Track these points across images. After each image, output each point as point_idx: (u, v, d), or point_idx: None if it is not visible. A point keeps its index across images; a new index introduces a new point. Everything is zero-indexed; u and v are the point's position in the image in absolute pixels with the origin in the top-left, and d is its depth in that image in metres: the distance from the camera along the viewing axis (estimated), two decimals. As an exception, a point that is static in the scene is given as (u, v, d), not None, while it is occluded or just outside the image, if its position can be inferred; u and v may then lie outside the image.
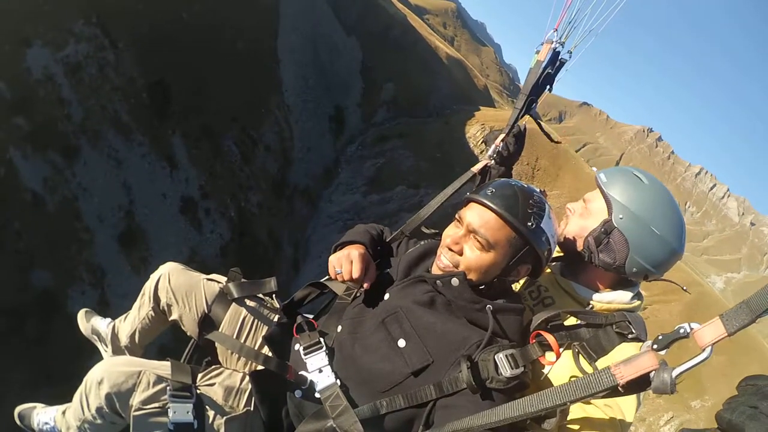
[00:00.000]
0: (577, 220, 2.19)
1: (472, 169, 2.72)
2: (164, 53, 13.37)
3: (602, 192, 2.09)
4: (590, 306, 2.06)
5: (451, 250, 1.90)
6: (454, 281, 1.85)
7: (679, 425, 20.10)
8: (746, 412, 1.05)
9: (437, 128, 24.99)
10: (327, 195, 22.01)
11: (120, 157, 12.22)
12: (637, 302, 2.07)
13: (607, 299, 2.06)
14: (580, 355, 1.81)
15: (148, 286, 2.52)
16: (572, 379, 1.59)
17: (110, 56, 12.00)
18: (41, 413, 2.64)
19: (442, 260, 1.92)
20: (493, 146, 2.76)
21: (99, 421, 2.14)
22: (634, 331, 1.76)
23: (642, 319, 1.85)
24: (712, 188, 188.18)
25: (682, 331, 1.21)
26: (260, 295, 2.48)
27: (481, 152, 23.98)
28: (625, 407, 1.74)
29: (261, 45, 17.96)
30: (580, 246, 2.11)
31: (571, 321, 1.92)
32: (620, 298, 2.06)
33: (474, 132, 24.19)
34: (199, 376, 2.21)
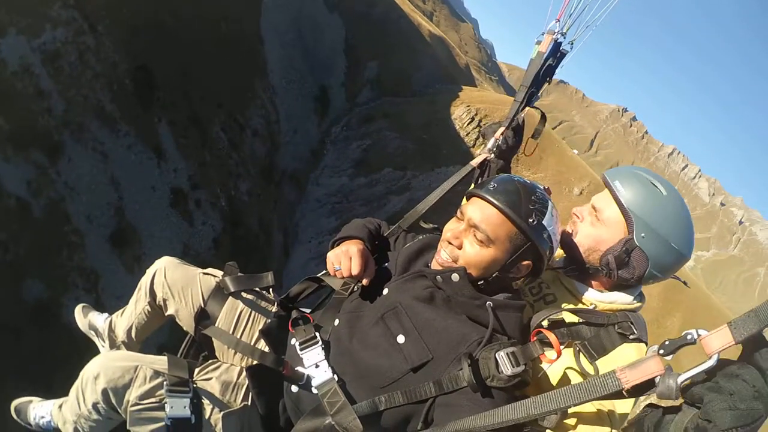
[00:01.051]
0: (588, 228, 2.11)
1: (471, 162, 2.69)
2: (146, 36, 12.42)
3: (620, 205, 1.99)
4: (592, 306, 2.03)
5: (451, 244, 1.88)
6: (455, 277, 1.83)
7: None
8: (706, 386, 1.13)
9: (422, 109, 24.74)
10: (314, 178, 21.63)
11: (106, 150, 11.35)
12: (639, 303, 2.05)
13: (609, 299, 2.02)
14: (581, 354, 1.80)
15: (144, 281, 2.51)
16: (571, 376, 1.73)
17: (90, 41, 11.03)
18: (37, 407, 2.63)
19: (442, 255, 1.91)
20: (492, 140, 2.72)
21: (95, 416, 2.14)
22: (635, 331, 1.80)
23: (643, 319, 1.89)
24: (684, 168, 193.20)
25: (689, 337, 1.20)
26: (257, 289, 2.46)
27: (476, 143, 23.23)
28: (621, 404, 1.72)
29: (245, 25, 17.06)
30: (594, 260, 2.04)
31: (572, 319, 1.92)
32: (622, 298, 2.03)
33: (460, 114, 24.02)
34: (196, 370, 2.19)
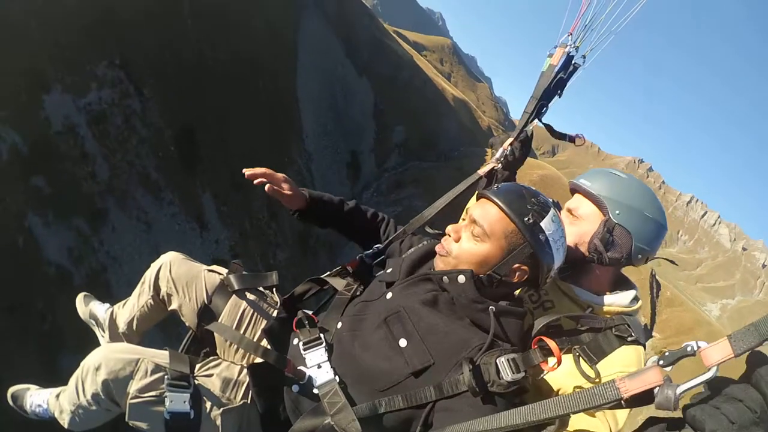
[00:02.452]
0: (569, 229, 2.12)
1: (478, 171, 2.77)
2: (189, 98, 11.88)
3: (589, 195, 2.15)
4: (590, 309, 2.04)
5: (450, 237, 1.93)
6: (461, 278, 1.83)
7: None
8: (707, 410, 1.12)
9: (450, 175, 24.16)
10: (347, 244, 20.67)
11: (149, 219, 10.60)
12: (635, 305, 2.10)
13: (607, 302, 2.06)
14: (580, 359, 1.80)
15: (149, 275, 2.50)
16: (572, 380, 1.77)
17: (136, 104, 10.44)
18: (34, 395, 2.63)
19: (441, 247, 1.93)
20: (501, 150, 2.75)
21: (94, 407, 2.13)
22: (633, 333, 1.81)
23: (640, 322, 1.91)
24: (703, 216, 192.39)
25: (689, 349, 1.17)
26: (261, 289, 2.47)
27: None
28: (617, 412, 1.71)
29: (280, 83, 16.65)
30: (583, 251, 2.12)
31: (571, 325, 1.95)
32: (620, 301, 2.08)
33: (488, 179, 23.59)
34: (197, 366, 2.15)
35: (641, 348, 1.86)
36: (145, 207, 10.21)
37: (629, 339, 1.82)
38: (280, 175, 2.38)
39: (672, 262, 2.60)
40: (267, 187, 2.38)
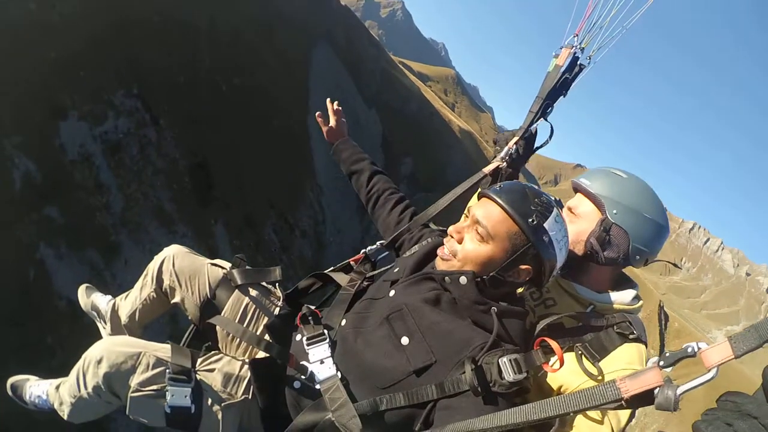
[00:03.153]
0: (569, 227, 2.07)
1: (483, 170, 2.78)
2: (204, 130, 11.64)
3: (589, 194, 2.16)
4: (591, 306, 2.07)
5: (452, 238, 1.93)
6: (462, 279, 1.86)
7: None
8: (721, 428, 1.17)
9: (458, 207, 23.98)
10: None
11: (162, 252, 10.03)
12: (637, 303, 2.10)
13: (608, 300, 2.07)
14: (583, 357, 1.80)
15: (152, 267, 2.51)
16: (574, 378, 1.78)
17: (152, 134, 10.16)
18: (34, 386, 2.64)
19: (444, 249, 1.95)
20: (506, 149, 2.80)
21: (95, 399, 2.16)
22: (635, 331, 1.82)
23: (641, 320, 1.93)
24: (706, 242, 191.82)
25: (690, 350, 1.23)
26: (264, 284, 2.47)
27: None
28: (619, 413, 1.71)
29: (293, 116, 16.51)
30: (581, 250, 2.14)
31: (572, 323, 1.95)
32: (621, 298, 2.08)
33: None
34: (199, 360, 2.17)
35: (643, 345, 1.87)
36: (159, 239, 9.82)
37: (631, 336, 1.84)
38: (336, 120, 2.85)
39: (675, 265, 2.63)
40: (317, 113, 2.83)
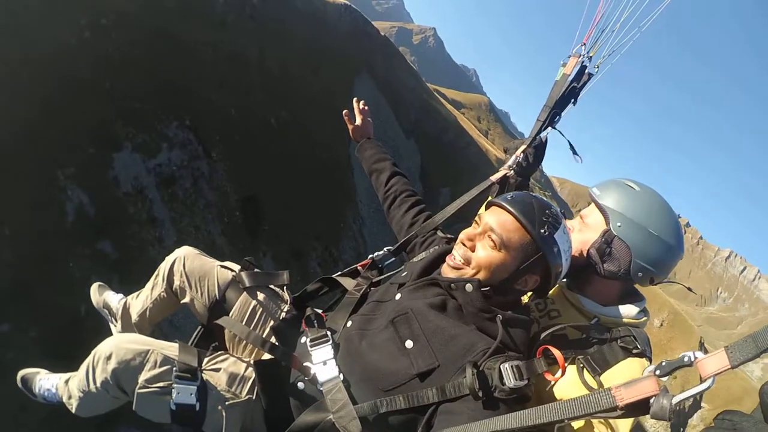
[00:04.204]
0: (576, 235, 2.19)
1: (491, 177, 2.80)
2: (254, 164, 11.40)
3: (597, 204, 2.14)
4: (595, 319, 2.04)
5: (464, 246, 1.94)
6: (468, 287, 1.88)
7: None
8: None
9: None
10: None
11: (212, 288, 9.71)
12: (643, 318, 2.07)
13: (613, 313, 2.06)
14: (584, 369, 1.79)
15: (163, 268, 2.58)
16: (574, 390, 1.76)
17: (204, 167, 9.93)
18: (44, 379, 2.69)
19: (455, 256, 1.96)
20: (513, 157, 2.80)
21: (102, 394, 2.20)
22: (639, 346, 1.78)
23: (646, 335, 1.88)
24: (742, 271, 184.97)
25: (686, 359, 1.23)
26: (272, 287, 2.52)
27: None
28: (620, 424, 1.69)
29: (337, 149, 16.31)
30: (584, 260, 2.12)
31: (576, 335, 1.95)
32: (627, 312, 2.06)
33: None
34: (205, 360, 2.20)
35: (646, 360, 1.80)
36: (208, 274, 9.48)
37: (634, 351, 1.79)
38: (362, 119, 2.94)
39: (689, 289, 2.55)
40: (344, 112, 2.95)
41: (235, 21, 11.46)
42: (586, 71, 2.77)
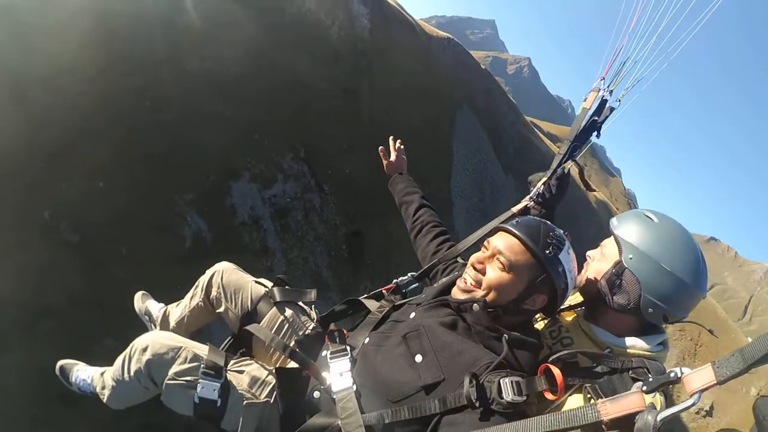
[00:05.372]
0: (594, 265, 2.28)
1: (512, 209, 2.90)
2: (362, 198, 11.27)
3: (614, 235, 2.18)
4: (608, 350, 2.00)
5: (475, 269, 2.11)
6: (475, 307, 2.02)
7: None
8: None
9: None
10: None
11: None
12: (660, 351, 2.03)
13: (626, 344, 2.04)
14: (591, 400, 1.76)
15: (203, 279, 2.89)
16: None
17: (316, 199, 9.90)
18: (81, 370, 2.90)
19: (466, 278, 2.13)
20: (534, 189, 2.92)
21: (134, 384, 2.41)
22: (651, 378, 1.71)
23: (662, 367, 1.87)
24: None
25: (672, 375, 1.26)
26: (301, 304, 2.77)
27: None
28: None
29: (439, 185, 16.05)
30: (596, 290, 2.17)
31: (586, 363, 1.94)
32: (640, 344, 2.02)
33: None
34: (231, 362, 2.45)
35: (657, 394, 1.72)
36: (316, 307, 9.36)
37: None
38: (396, 156, 3.20)
39: (711, 332, 2.40)
40: (380, 148, 3.22)
41: (347, 56, 11.54)
42: (608, 105, 2.83)
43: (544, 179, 2.88)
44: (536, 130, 29.51)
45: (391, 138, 3.33)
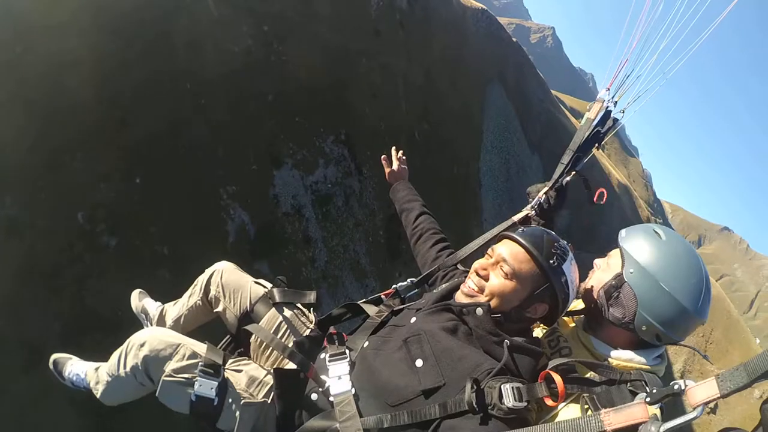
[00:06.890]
0: (598, 274, 2.19)
1: (512, 218, 2.82)
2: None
3: (619, 246, 2.11)
4: (605, 361, 1.98)
5: (478, 275, 2.06)
6: (479, 311, 1.96)
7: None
8: None
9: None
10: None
11: (353, 307, 9.41)
12: (658, 365, 2.01)
13: (624, 357, 2.01)
14: (588, 410, 1.75)
15: (202, 278, 2.76)
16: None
17: (355, 184, 9.55)
18: (75, 365, 2.76)
19: (469, 284, 2.08)
20: (536, 199, 2.83)
21: (130, 380, 2.29)
22: (648, 391, 1.70)
23: (659, 381, 1.80)
24: None
25: (676, 387, 1.22)
26: (299, 306, 2.66)
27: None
28: None
29: (469, 166, 15.63)
30: (594, 300, 2.12)
31: (585, 372, 1.92)
32: (638, 358, 2.00)
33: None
34: (230, 361, 2.33)
35: (654, 406, 1.67)
36: (351, 294, 9.17)
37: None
38: (398, 165, 3.26)
39: (705, 357, 2.63)
40: (383, 157, 3.29)
41: (386, 30, 11.00)
42: (611, 116, 2.78)
43: (545, 189, 2.84)
44: (562, 106, 28.85)
45: (393, 149, 3.29)
